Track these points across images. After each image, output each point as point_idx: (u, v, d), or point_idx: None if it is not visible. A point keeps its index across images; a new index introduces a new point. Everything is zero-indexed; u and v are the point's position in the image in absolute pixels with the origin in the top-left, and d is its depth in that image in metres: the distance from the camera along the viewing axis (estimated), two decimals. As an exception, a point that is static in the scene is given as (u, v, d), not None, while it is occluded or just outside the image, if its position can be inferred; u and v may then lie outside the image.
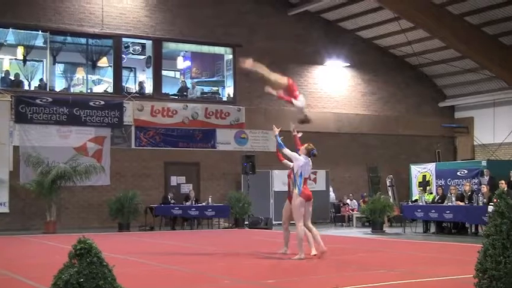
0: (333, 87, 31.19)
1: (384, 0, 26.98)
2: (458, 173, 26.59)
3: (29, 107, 24.90)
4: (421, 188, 26.89)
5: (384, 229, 23.50)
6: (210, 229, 25.58)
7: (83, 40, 26.97)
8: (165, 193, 26.45)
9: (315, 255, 13.17)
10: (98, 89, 28.00)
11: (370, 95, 32.18)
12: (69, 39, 26.76)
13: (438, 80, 33.42)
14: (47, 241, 19.23)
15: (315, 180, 28.51)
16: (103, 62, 27.79)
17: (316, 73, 30.84)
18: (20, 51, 26.16)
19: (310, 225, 13.60)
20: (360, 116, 31.66)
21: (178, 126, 27.43)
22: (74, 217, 25.48)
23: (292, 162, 13.70)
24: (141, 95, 27.69)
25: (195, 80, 29.90)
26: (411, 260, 13.94)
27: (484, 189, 21.03)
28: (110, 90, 27.41)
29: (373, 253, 15.23)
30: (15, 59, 26.52)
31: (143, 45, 28.47)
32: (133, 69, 29.48)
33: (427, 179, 28.18)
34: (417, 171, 29.04)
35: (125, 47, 28.03)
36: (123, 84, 27.95)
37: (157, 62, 27.98)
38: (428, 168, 28.55)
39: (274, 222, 25.41)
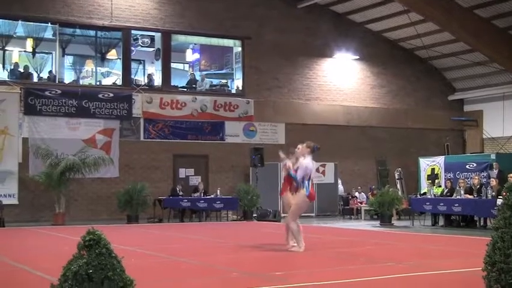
0: (342, 80, 31.14)
1: (393, -8, 26.94)
2: (467, 166, 26.53)
3: (38, 99, 24.96)
4: (430, 181, 26.84)
5: (392, 222, 23.50)
6: (218, 221, 25.61)
7: (92, 32, 27.01)
8: (173, 185, 26.48)
9: (293, 246, 13.21)
10: (107, 81, 28.04)
11: (380, 88, 32.11)
12: (78, 31, 26.82)
13: (447, 73, 33.32)
14: (56, 233, 19.30)
15: (323, 172, 28.55)
16: (112, 54, 27.84)
17: (326, 66, 30.80)
18: (29, 43, 26.21)
19: (298, 221, 13.48)
20: (369, 109, 31.60)
21: (187, 118, 27.46)
22: (82, 209, 25.56)
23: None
24: (150, 87, 27.72)
25: (204, 73, 29.92)
26: (419, 253, 13.91)
27: (493, 182, 20.99)
28: (119, 82, 27.44)
29: (382, 246, 15.22)
30: (25, 51, 26.59)
31: (152, 38, 28.50)
32: (142, 61, 29.53)
33: (435, 172, 28.11)
34: (426, 164, 28.98)
35: (134, 40, 28.06)
36: (132, 76, 28.01)
37: (166, 54, 27.98)
38: (437, 162, 28.49)
39: (282, 215, 25.41)
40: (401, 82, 32.57)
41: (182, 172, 27.55)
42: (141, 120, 26.78)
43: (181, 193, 25.71)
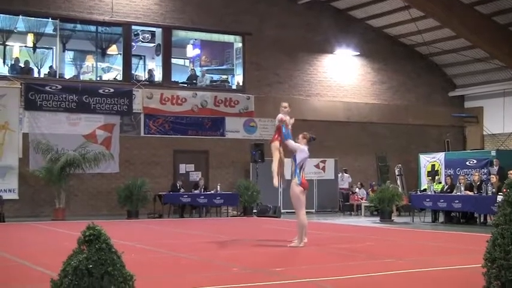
0: (343, 76, 31.11)
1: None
2: (467, 163, 26.54)
3: (39, 94, 24.96)
4: (430, 178, 26.83)
5: (392, 218, 23.49)
6: (218, 217, 25.63)
7: (93, 28, 26.99)
8: (173, 181, 26.49)
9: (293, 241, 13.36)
10: (107, 76, 28.04)
11: (380, 84, 32.09)
12: (78, 26, 26.76)
13: (448, 69, 33.30)
14: (56, 228, 19.32)
15: (323, 169, 28.54)
16: (112, 49, 27.82)
17: (326, 62, 30.77)
18: (30, 38, 26.19)
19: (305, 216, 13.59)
20: (370, 105, 31.58)
21: (187, 114, 27.45)
22: (82, 204, 25.57)
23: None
24: (150, 82, 27.71)
25: (205, 68, 29.89)
26: (419, 249, 13.93)
27: (493, 179, 20.99)
28: (119, 78, 27.43)
29: (381, 242, 15.23)
30: (25, 46, 26.57)
31: (153, 33, 28.47)
32: (142, 57, 29.52)
33: (436, 169, 28.11)
34: (426, 160, 28.97)
35: (135, 35, 28.03)
36: (133, 72, 27.99)
37: (167, 50, 27.96)
38: (438, 158, 28.48)
39: (282, 211, 25.43)
40: (401, 78, 32.54)
41: (182, 168, 27.55)
42: (142, 116, 26.78)
43: (181, 189, 25.72)
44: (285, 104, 14.18)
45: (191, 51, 30.19)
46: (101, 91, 25.96)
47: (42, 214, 24.32)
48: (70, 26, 26.71)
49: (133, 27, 27.60)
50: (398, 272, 9.77)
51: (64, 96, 25.32)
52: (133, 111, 26.52)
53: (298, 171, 13.20)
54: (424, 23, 28.95)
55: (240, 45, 29.28)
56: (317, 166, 28.22)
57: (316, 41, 30.39)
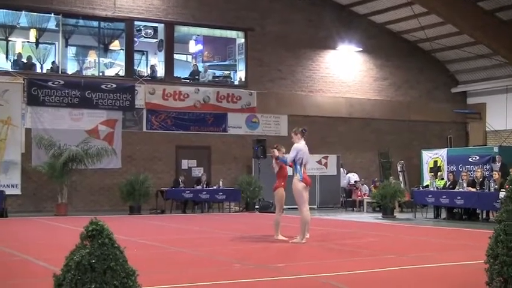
0: (345, 72, 31.08)
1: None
2: (469, 159, 26.53)
3: (41, 89, 24.97)
4: (432, 174, 26.84)
5: (394, 214, 23.49)
6: (220, 213, 25.63)
7: (95, 23, 27.00)
8: (176, 176, 26.48)
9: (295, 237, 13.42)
10: (110, 72, 28.04)
11: (382, 80, 32.06)
12: (81, 22, 26.75)
13: (451, 65, 33.25)
14: (59, 223, 19.34)
15: (325, 165, 28.52)
16: (115, 45, 27.81)
17: (329, 58, 30.73)
18: (33, 34, 26.22)
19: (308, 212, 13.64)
20: (372, 101, 31.56)
21: (189, 109, 27.45)
22: (85, 200, 25.59)
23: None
24: (152, 78, 27.70)
25: (207, 64, 29.88)
26: (422, 245, 13.92)
27: (496, 175, 20.96)
28: (122, 73, 27.43)
29: (384, 238, 15.23)
30: (28, 41, 26.60)
31: (155, 29, 28.46)
32: (145, 52, 29.54)
33: (438, 165, 28.09)
34: (428, 156, 28.96)
35: (137, 31, 28.02)
36: (135, 67, 27.99)
37: (169, 45, 27.96)
38: (440, 154, 28.47)
39: (284, 207, 25.37)
40: (404, 74, 32.50)
41: (185, 163, 27.55)
42: (144, 111, 26.78)
43: (183, 184, 25.72)
44: (272, 150, 14.54)
45: (193, 46, 30.18)
46: (103, 86, 25.97)
47: (45, 209, 24.36)
48: (72, 21, 26.69)
49: (136, 22, 27.58)
50: (400, 268, 9.77)
51: (66, 91, 25.33)
52: (136, 106, 26.53)
53: (298, 167, 13.25)
54: (427, 19, 28.90)
55: (243, 40, 29.25)
56: (319, 162, 28.20)
57: (319, 37, 30.35)
